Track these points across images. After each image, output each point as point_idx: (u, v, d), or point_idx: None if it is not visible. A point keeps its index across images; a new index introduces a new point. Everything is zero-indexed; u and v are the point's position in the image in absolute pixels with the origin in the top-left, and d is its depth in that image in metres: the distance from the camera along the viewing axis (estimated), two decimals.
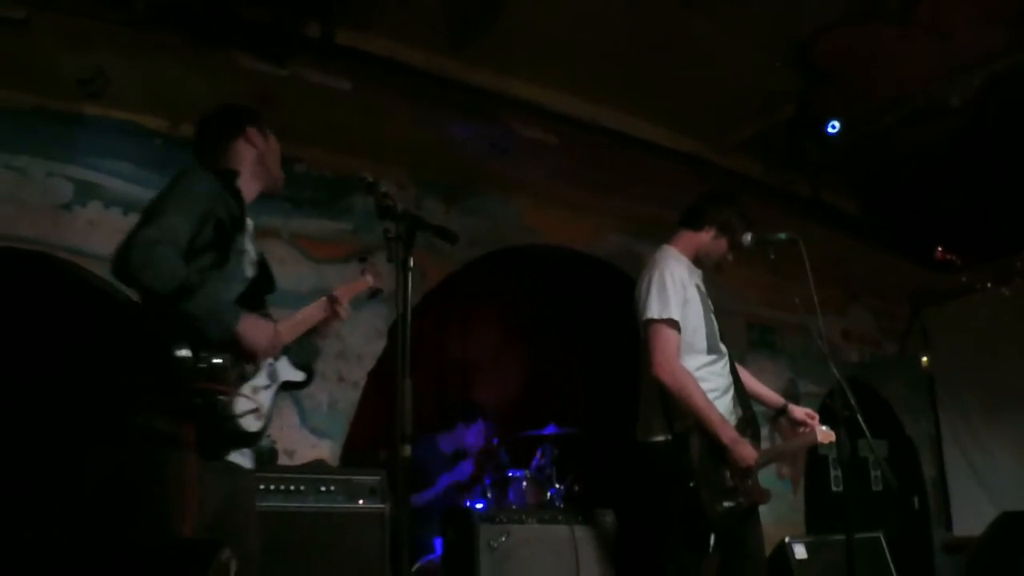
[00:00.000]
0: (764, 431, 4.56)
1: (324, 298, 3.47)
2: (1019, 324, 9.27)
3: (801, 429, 4.43)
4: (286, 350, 3.27)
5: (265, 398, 3.09)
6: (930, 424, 10.19)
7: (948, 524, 9.89)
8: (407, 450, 2.73)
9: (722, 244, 4.36)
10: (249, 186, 3.35)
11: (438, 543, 5.71)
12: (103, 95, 5.29)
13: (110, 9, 4.75)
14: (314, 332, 3.45)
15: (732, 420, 4.16)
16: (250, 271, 3.24)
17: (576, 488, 6.02)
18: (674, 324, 4.06)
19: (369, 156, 6.04)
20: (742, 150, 7.32)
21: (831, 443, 4.28)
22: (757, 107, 6.79)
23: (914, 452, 9.95)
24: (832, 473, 8.53)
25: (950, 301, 10.02)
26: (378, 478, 4.84)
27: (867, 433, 4.02)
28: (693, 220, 4.43)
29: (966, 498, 9.75)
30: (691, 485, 3.88)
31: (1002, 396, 9.41)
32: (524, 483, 5.70)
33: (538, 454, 6.06)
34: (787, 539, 6.23)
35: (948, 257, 9.09)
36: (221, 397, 2.88)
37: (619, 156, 6.69)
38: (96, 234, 5.31)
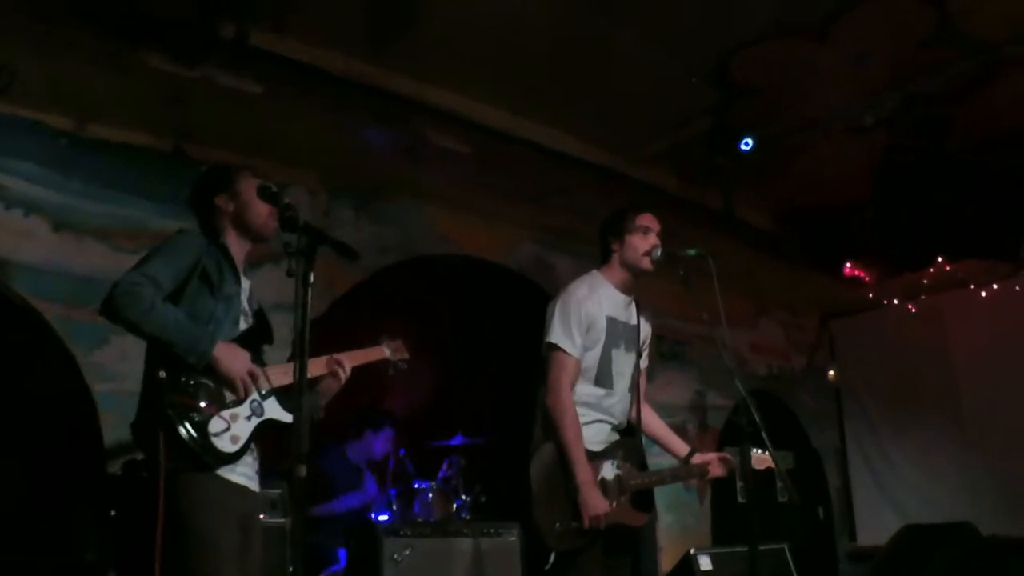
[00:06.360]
0: None
1: (326, 357, 3.61)
2: (924, 339, 9.50)
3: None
4: (277, 393, 3.38)
5: (244, 428, 3.23)
6: (836, 435, 10.41)
7: (852, 534, 10.11)
8: (303, 471, 2.67)
9: (632, 242, 4.33)
10: (236, 242, 3.52)
11: (342, 554, 5.65)
12: (8, 92, 5.11)
13: (19, 4, 4.62)
14: (313, 387, 3.56)
15: (605, 446, 4.22)
16: (243, 323, 3.45)
17: (483, 499, 6.00)
18: (569, 352, 4.13)
19: (280, 160, 5.93)
20: (656, 163, 7.39)
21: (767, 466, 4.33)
22: (672, 121, 6.86)
23: (820, 463, 10.13)
24: (738, 484, 8.62)
25: (858, 315, 10.23)
26: (279, 492, 4.78)
27: (770, 448, 4.04)
28: (603, 255, 4.46)
29: (870, 508, 9.98)
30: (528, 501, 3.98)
31: (906, 409, 9.63)
32: (430, 495, 5.68)
33: (444, 465, 6.03)
34: (692, 550, 6.28)
35: (857, 273, 9.27)
36: (192, 414, 3.07)
37: (533, 167, 6.71)
38: None
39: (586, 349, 4.20)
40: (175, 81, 5.21)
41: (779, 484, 4.44)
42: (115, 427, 5.08)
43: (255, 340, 3.47)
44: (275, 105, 5.57)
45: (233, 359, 3.21)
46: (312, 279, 2.80)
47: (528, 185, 6.96)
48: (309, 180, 6.31)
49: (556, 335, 4.16)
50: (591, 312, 4.22)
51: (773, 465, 4.23)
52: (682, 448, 4.53)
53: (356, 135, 6.04)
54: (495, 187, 6.93)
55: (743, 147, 6.79)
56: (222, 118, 5.63)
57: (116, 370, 5.22)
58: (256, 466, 3.42)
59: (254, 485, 3.41)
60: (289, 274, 2.80)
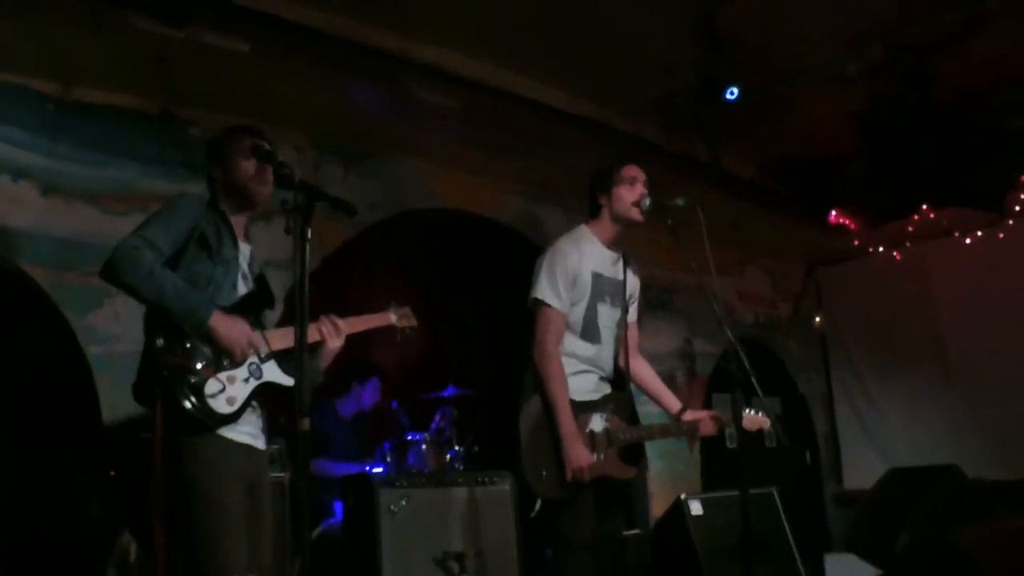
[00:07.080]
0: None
1: (322, 322, 3.59)
2: (909, 286, 9.58)
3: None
4: (277, 356, 3.41)
5: (242, 390, 3.27)
6: (822, 381, 10.53)
7: (839, 478, 10.26)
8: (307, 423, 2.73)
9: (619, 193, 4.37)
10: (232, 209, 3.53)
11: (338, 507, 5.72)
12: None
13: None
14: (314, 351, 3.54)
15: (595, 396, 4.30)
16: (242, 286, 3.48)
17: (476, 449, 6.07)
18: (554, 307, 4.21)
19: (267, 119, 5.82)
20: (643, 114, 7.39)
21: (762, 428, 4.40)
22: (659, 72, 6.84)
23: (807, 408, 10.24)
24: (727, 431, 8.67)
25: (843, 263, 10.32)
26: (277, 447, 4.82)
27: (759, 394, 4.09)
28: (591, 210, 4.50)
29: (856, 452, 10.13)
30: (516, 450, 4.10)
31: (891, 355, 9.75)
32: (424, 446, 5.74)
33: (437, 416, 6.09)
34: (683, 496, 6.35)
35: (842, 220, 9.32)
36: (188, 375, 3.13)
37: (520, 120, 6.69)
38: None
39: (572, 304, 4.27)
40: (161, 42, 5.17)
41: (767, 431, 4.49)
42: (110, 389, 5.11)
43: (255, 304, 3.51)
44: (262, 64, 5.53)
45: (230, 327, 3.24)
46: (310, 235, 2.83)
47: (516, 139, 6.94)
48: (297, 138, 6.28)
49: (542, 290, 4.24)
50: (576, 267, 4.28)
51: (765, 426, 4.31)
52: (674, 404, 4.59)
53: (343, 92, 6.01)
54: (483, 141, 6.90)
55: (728, 96, 6.80)
56: (209, 78, 5.59)
57: (109, 332, 5.22)
58: (261, 424, 3.47)
59: (259, 443, 3.46)
60: (287, 231, 2.84)
